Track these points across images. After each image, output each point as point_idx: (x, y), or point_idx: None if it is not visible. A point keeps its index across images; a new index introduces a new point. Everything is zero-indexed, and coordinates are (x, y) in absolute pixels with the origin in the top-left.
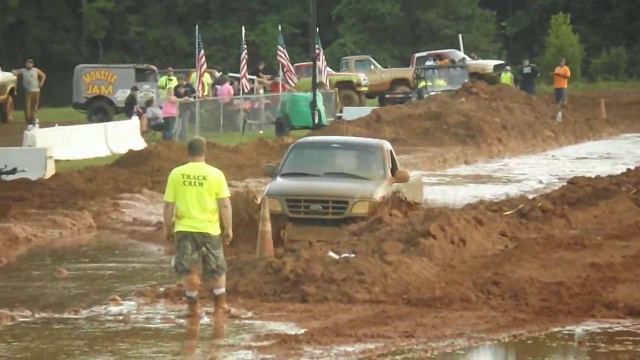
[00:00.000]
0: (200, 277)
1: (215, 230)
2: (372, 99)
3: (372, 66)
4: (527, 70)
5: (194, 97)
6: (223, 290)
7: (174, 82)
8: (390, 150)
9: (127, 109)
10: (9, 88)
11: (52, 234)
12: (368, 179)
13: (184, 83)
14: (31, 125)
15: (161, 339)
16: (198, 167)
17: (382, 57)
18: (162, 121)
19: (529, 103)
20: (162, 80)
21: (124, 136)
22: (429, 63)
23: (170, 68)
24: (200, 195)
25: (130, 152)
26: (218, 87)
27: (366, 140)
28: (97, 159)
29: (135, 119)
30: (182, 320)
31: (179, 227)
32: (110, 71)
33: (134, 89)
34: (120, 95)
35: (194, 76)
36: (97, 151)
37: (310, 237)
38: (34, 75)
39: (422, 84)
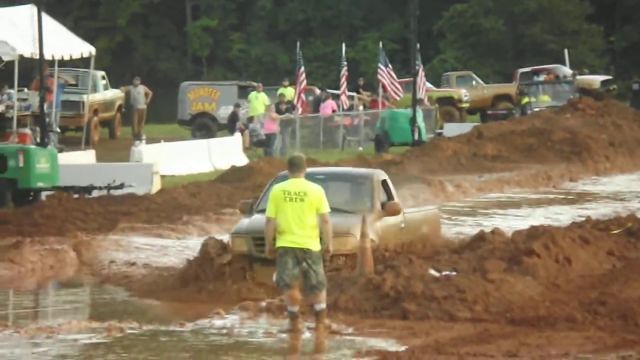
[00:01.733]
0: (301, 292)
1: (315, 245)
2: (473, 115)
3: (474, 82)
4: (636, 86)
5: (294, 114)
6: (324, 305)
7: (261, 99)
8: (384, 181)
9: (230, 126)
10: (117, 105)
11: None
12: (352, 213)
13: (285, 100)
14: (138, 142)
15: (264, 353)
16: (298, 184)
17: (484, 72)
18: (264, 137)
19: (638, 120)
20: (252, 95)
21: (226, 152)
22: (537, 78)
23: (260, 84)
24: (300, 211)
25: (233, 167)
26: (322, 103)
27: (357, 170)
28: (201, 175)
29: (237, 135)
30: (284, 335)
31: (280, 243)
32: (214, 88)
33: (237, 105)
34: (223, 112)
35: (286, 92)
36: (200, 167)
37: None
38: (140, 93)
39: (526, 100)
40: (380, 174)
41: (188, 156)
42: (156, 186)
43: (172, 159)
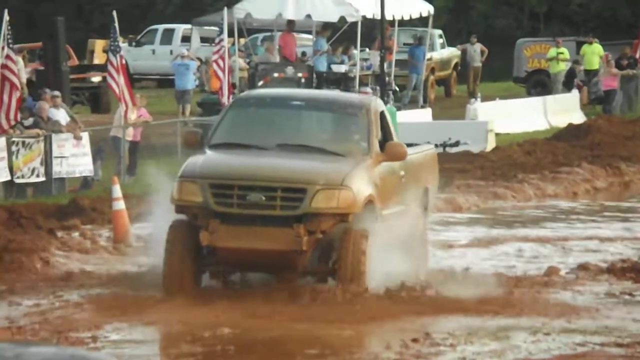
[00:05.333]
0: None
1: None
2: None
3: None
4: None
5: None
6: None
7: (565, 54)
8: (382, 112)
9: (568, 83)
10: (453, 63)
11: (493, 205)
12: (342, 155)
13: (628, 55)
14: (473, 100)
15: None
16: None
17: None
18: (602, 94)
19: None
20: (552, 51)
21: (563, 110)
22: None
23: (559, 39)
24: None
25: (570, 125)
26: None
27: (346, 96)
28: (536, 132)
29: (575, 92)
30: (627, 297)
31: None
32: (551, 45)
33: (575, 62)
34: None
35: (590, 48)
36: (536, 124)
37: (246, 244)
38: (477, 50)
39: None
40: (378, 103)
41: (523, 114)
42: (491, 144)
43: (507, 116)
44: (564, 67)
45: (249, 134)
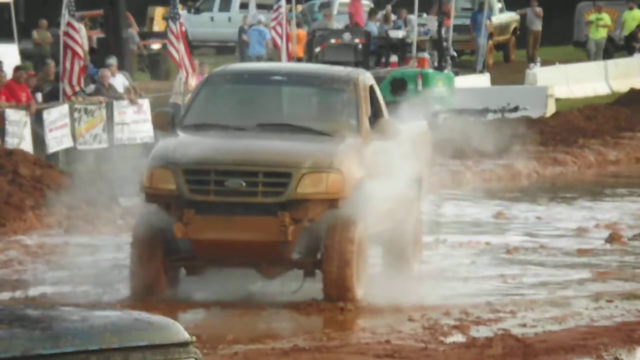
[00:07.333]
0: None
1: None
2: None
3: None
4: None
5: None
6: None
7: (605, 20)
8: (371, 87)
9: (628, 46)
10: (512, 27)
11: (554, 171)
12: (329, 135)
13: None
14: (533, 64)
15: None
16: None
17: None
18: None
19: None
20: (591, 16)
21: (625, 74)
22: None
23: (601, 4)
24: None
25: (632, 90)
26: None
27: (331, 70)
28: (597, 97)
29: (637, 56)
30: None
31: None
32: (612, 8)
33: (638, 26)
34: (620, 33)
35: (631, 14)
36: (597, 89)
37: (226, 235)
38: (538, 14)
39: None
40: (366, 77)
41: (583, 78)
42: (551, 109)
43: (567, 81)
44: (604, 33)
45: (226, 113)
